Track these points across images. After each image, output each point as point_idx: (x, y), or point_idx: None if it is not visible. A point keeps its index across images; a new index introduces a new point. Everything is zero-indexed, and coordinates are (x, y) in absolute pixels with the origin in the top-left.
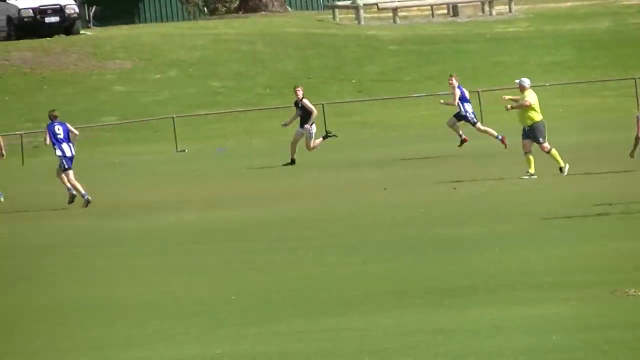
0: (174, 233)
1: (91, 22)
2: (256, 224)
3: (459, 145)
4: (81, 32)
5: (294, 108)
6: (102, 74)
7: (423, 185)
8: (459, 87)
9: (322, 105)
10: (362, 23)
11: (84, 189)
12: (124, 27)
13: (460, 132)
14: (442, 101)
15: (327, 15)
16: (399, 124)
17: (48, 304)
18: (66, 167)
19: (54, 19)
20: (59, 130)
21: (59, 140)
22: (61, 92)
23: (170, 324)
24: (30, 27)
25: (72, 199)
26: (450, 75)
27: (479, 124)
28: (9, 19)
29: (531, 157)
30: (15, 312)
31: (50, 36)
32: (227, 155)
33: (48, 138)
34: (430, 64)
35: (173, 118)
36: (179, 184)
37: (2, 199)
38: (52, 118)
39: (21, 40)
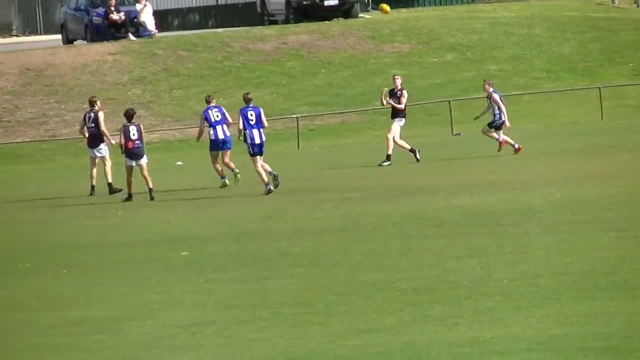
0: (446, 216)
1: (370, 6)
2: (528, 207)
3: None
4: (360, 15)
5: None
6: (379, 57)
7: None
8: (495, 92)
9: (599, 88)
10: None
11: (266, 175)
12: (403, 10)
13: (497, 136)
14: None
15: None
16: None
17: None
18: (253, 152)
19: (333, 2)
20: (251, 115)
21: (251, 125)
22: (338, 75)
23: (441, 307)
24: (308, 10)
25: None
26: (485, 81)
27: (500, 131)
28: (288, 2)
29: None
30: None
31: (329, 19)
32: None
33: (241, 122)
34: None
35: (449, 101)
36: (454, 168)
37: (227, 182)
38: (247, 101)
39: (299, 24)
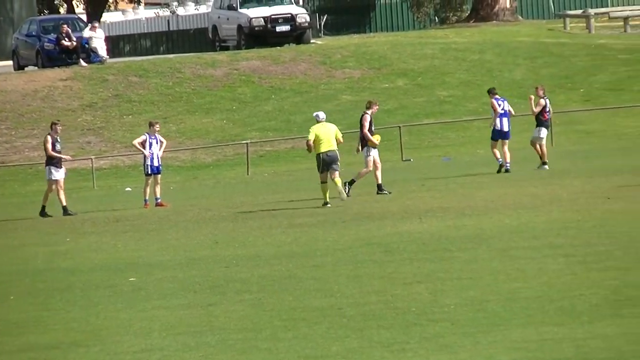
0: (394, 242)
1: (322, 31)
2: (476, 233)
3: None
4: (311, 41)
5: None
6: (330, 83)
7: None
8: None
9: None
10: (593, 32)
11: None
12: (355, 36)
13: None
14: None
15: (557, 24)
16: (626, 133)
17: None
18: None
19: (285, 27)
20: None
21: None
22: (289, 101)
23: (388, 333)
24: (260, 35)
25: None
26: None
27: None
28: (240, 28)
29: None
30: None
31: (281, 45)
32: (453, 164)
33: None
34: None
35: (399, 127)
36: (403, 194)
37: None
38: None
39: (250, 49)
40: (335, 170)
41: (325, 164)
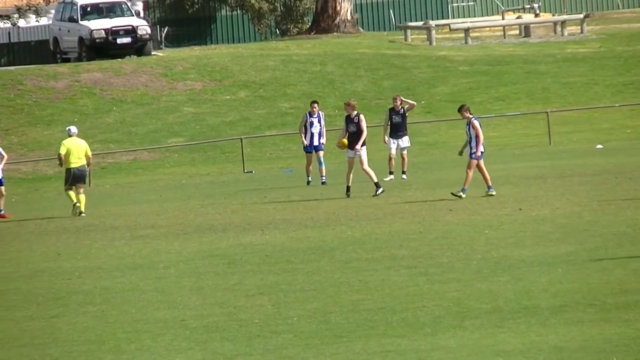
0: (237, 253)
1: (163, 43)
2: (319, 245)
3: None
4: (152, 53)
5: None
6: (172, 95)
7: (489, 206)
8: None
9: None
10: (434, 44)
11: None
12: (196, 48)
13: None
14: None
15: (399, 36)
16: None
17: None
18: None
19: (126, 39)
20: None
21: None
22: (130, 113)
23: (232, 345)
24: (101, 48)
25: None
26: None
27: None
28: (81, 40)
29: None
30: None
31: (122, 57)
32: (295, 176)
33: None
34: (500, 84)
35: (241, 139)
36: (245, 205)
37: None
38: None
39: (92, 62)
40: (81, 187)
41: (75, 178)
